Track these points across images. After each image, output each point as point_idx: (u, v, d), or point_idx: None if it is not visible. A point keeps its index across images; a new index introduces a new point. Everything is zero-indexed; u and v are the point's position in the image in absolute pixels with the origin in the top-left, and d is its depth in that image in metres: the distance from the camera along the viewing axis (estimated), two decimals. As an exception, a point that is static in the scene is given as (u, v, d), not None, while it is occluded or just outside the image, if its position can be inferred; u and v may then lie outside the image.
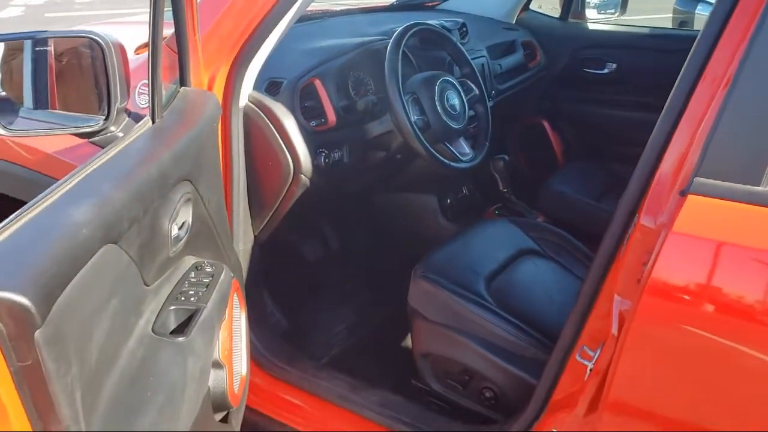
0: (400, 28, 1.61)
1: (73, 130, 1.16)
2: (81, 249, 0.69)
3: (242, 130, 1.33)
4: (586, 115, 2.43)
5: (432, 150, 1.55)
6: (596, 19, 2.49)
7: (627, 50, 2.36)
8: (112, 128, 1.06)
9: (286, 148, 1.37)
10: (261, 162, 1.39)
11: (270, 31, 1.26)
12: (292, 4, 1.24)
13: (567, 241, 1.64)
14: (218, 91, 1.27)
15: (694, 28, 3.49)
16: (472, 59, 1.82)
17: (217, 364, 1.02)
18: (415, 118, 1.55)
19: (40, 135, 1.31)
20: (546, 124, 2.47)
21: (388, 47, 1.55)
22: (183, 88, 1.15)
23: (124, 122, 1.08)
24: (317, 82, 1.51)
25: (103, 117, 1.08)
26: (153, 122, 0.99)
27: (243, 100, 1.32)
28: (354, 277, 1.97)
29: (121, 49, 1.06)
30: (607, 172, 2.16)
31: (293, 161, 1.38)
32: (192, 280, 1.01)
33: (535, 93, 2.39)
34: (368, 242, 2.02)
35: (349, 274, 1.97)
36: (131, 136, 0.95)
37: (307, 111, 1.47)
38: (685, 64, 0.91)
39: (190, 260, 1.04)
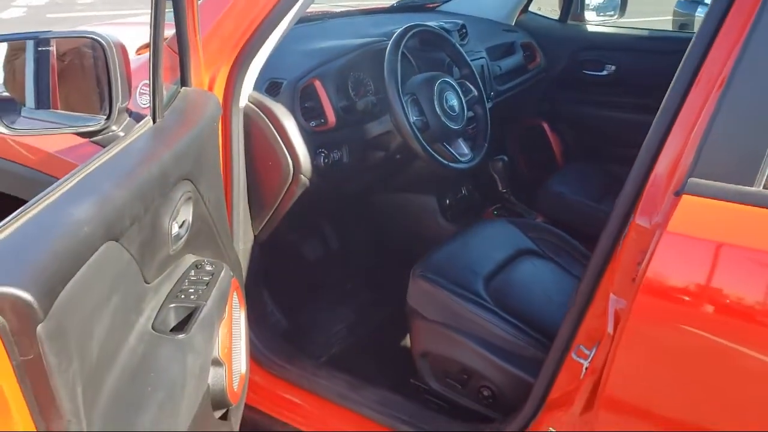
0: (399, 30, 1.62)
1: (74, 130, 1.17)
2: (82, 246, 0.70)
3: (242, 130, 1.34)
4: (585, 116, 2.44)
5: (431, 150, 1.56)
6: (595, 21, 2.51)
7: (626, 52, 2.37)
8: (114, 128, 1.07)
9: (286, 149, 1.38)
10: (261, 162, 1.40)
11: (270, 32, 1.27)
12: (293, 6, 1.25)
13: (565, 241, 1.65)
14: (219, 91, 1.28)
15: (694, 31, 3.48)
16: (471, 60, 1.83)
17: (216, 362, 1.03)
18: (414, 118, 1.56)
19: (42, 134, 1.32)
20: (545, 126, 2.48)
21: (388, 48, 1.56)
22: (184, 88, 1.16)
23: (126, 122, 1.09)
24: (317, 83, 1.52)
25: (105, 117, 1.09)
26: (154, 122, 1.00)
27: (243, 101, 1.33)
28: (353, 277, 1.98)
29: (123, 50, 1.07)
30: (606, 173, 2.17)
31: (293, 161, 1.39)
32: (192, 278, 1.02)
33: (534, 94, 2.40)
34: (368, 242, 2.03)
35: (349, 273, 1.98)
36: (132, 135, 0.96)
37: (307, 111, 1.48)
38: (680, 66, 0.92)
39: (190, 259, 1.05)
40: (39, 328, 0.61)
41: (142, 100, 1.32)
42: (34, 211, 0.71)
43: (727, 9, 0.89)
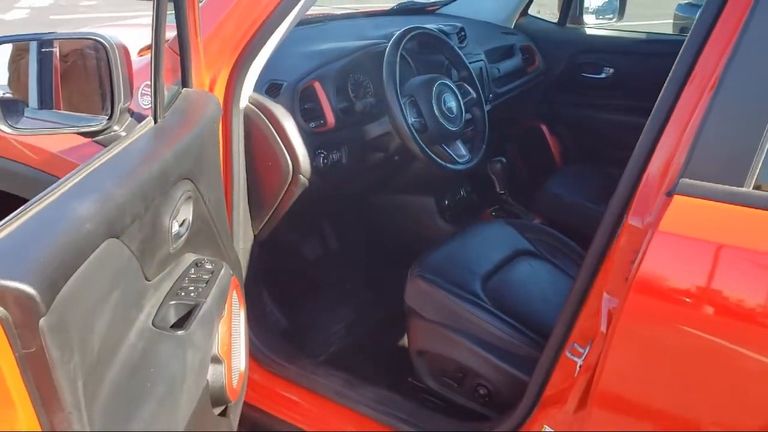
0: (398, 32, 1.63)
1: (77, 129, 1.19)
2: (84, 242, 0.71)
3: (243, 130, 1.36)
4: (583, 119, 2.45)
5: (428, 152, 1.57)
6: (594, 25, 2.52)
7: (624, 55, 2.38)
8: (116, 128, 1.09)
9: (286, 149, 1.40)
10: (261, 162, 1.41)
11: (271, 34, 1.29)
12: (293, 8, 1.27)
13: (562, 242, 1.67)
14: (219, 92, 1.29)
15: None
16: (470, 63, 1.85)
17: (216, 359, 1.04)
18: (413, 120, 1.57)
19: (45, 134, 1.34)
20: (544, 128, 2.49)
21: (387, 50, 1.57)
22: (185, 89, 1.17)
23: (127, 122, 1.11)
24: (317, 85, 1.54)
25: (107, 117, 1.11)
26: (155, 122, 1.02)
27: (244, 102, 1.35)
28: (352, 277, 1.99)
29: (125, 51, 1.09)
30: (604, 175, 2.18)
31: (292, 162, 1.41)
32: (192, 276, 1.03)
33: (533, 97, 2.41)
34: (367, 242, 2.05)
35: (348, 273, 1.99)
36: (134, 135, 0.98)
37: (307, 113, 1.50)
38: (672, 68, 0.93)
39: (190, 257, 1.07)
40: (41, 321, 0.62)
41: (143, 100, 1.34)
42: (38, 208, 0.72)
43: (719, 12, 0.90)
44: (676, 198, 0.86)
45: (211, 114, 1.19)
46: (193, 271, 1.04)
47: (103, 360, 0.76)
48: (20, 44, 1.24)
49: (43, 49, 1.23)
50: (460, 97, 1.70)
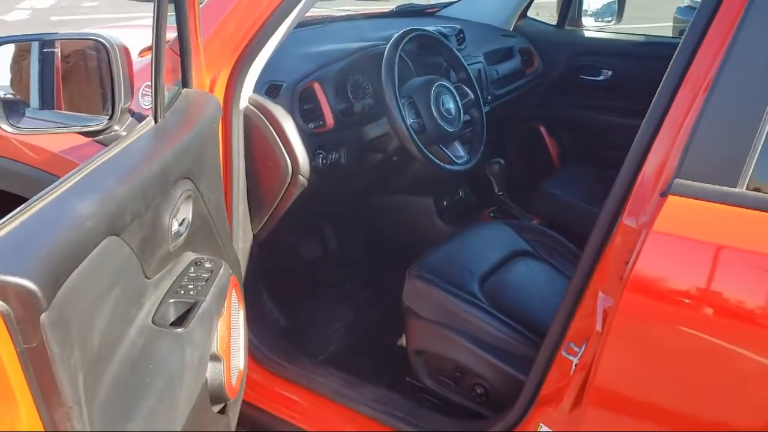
0: (397, 34, 1.65)
1: (78, 129, 1.20)
2: (85, 239, 0.72)
3: (242, 131, 1.37)
4: (582, 120, 2.46)
5: (427, 152, 1.58)
6: (593, 27, 2.53)
7: (622, 57, 2.39)
8: (116, 127, 1.10)
9: (285, 150, 1.41)
10: (260, 162, 1.42)
11: (270, 36, 1.30)
12: (292, 9, 1.28)
13: (560, 243, 1.68)
14: (219, 93, 1.30)
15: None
16: (468, 65, 1.86)
17: (215, 357, 1.05)
18: (411, 121, 1.58)
19: (47, 133, 1.35)
20: (542, 129, 2.50)
21: (386, 52, 1.58)
22: (185, 89, 1.19)
23: (128, 122, 1.12)
24: (316, 86, 1.55)
25: (107, 117, 1.12)
26: (155, 122, 1.03)
27: (243, 102, 1.36)
28: (352, 277, 2.00)
29: (126, 51, 1.10)
30: (602, 176, 2.19)
31: (292, 162, 1.42)
32: (191, 275, 1.04)
33: (532, 99, 2.42)
34: (366, 243, 2.06)
35: (347, 273, 2.00)
36: (134, 134, 0.99)
37: (306, 113, 1.51)
38: (667, 71, 0.95)
39: (189, 256, 1.08)
40: (42, 316, 0.63)
41: (144, 101, 1.35)
42: (39, 206, 0.73)
43: (712, 16, 0.91)
44: (671, 198, 0.87)
45: (211, 114, 1.20)
46: (192, 269, 1.05)
47: (103, 356, 0.77)
48: (22, 45, 1.25)
49: (45, 50, 1.24)
50: (458, 99, 1.71)
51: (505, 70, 2.21)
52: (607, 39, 2.51)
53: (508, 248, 1.59)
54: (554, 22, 2.54)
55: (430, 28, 1.85)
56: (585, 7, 2.51)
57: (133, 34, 1.64)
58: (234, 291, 1.16)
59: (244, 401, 1.26)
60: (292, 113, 1.43)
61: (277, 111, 1.40)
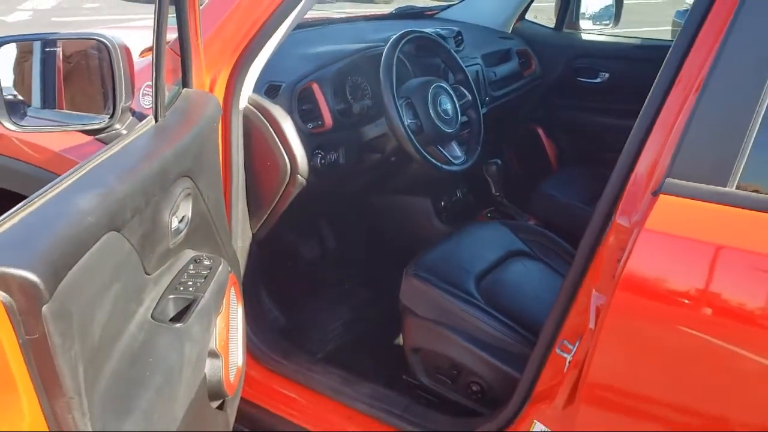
0: (396, 35, 1.66)
1: (79, 127, 1.21)
2: (86, 234, 0.74)
3: (242, 130, 1.38)
4: (579, 122, 2.48)
5: (424, 153, 1.60)
6: (590, 30, 2.55)
7: (619, 60, 2.41)
8: (117, 126, 1.11)
9: (284, 149, 1.42)
10: (259, 162, 1.44)
11: (270, 37, 1.31)
12: (292, 10, 1.29)
13: (556, 243, 1.69)
14: (219, 93, 1.32)
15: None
16: (466, 66, 1.87)
17: (213, 354, 1.06)
18: (409, 121, 1.60)
19: (49, 131, 1.36)
20: (540, 131, 2.52)
21: (384, 53, 1.60)
22: (185, 89, 1.20)
23: (128, 121, 1.13)
24: (315, 86, 1.56)
25: (109, 115, 1.13)
26: (156, 121, 1.04)
27: (243, 102, 1.37)
28: (350, 277, 2.02)
29: (127, 51, 1.12)
30: (599, 177, 2.20)
31: (290, 162, 1.43)
32: (191, 271, 1.05)
33: (529, 100, 2.44)
34: (364, 242, 2.07)
35: (345, 273, 2.01)
36: (135, 133, 1.00)
37: (305, 114, 1.52)
38: (659, 72, 0.96)
39: (189, 253, 1.09)
40: (44, 308, 0.65)
41: (144, 100, 1.36)
42: (41, 201, 0.75)
43: (703, 19, 0.93)
44: (662, 197, 0.88)
45: (211, 114, 1.21)
46: (191, 266, 1.06)
47: (103, 349, 0.78)
48: (25, 47, 1.27)
49: (47, 49, 1.25)
50: (455, 100, 1.72)
51: (502, 72, 2.22)
52: (604, 42, 2.53)
53: (505, 248, 1.61)
54: (552, 25, 2.56)
55: (428, 30, 1.86)
56: (583, 10, 2.53)
57: (133, 34, 1.66)
58: (233, 288, 1.17)
59: (242, 398, 1.28)
60: (290, 113, 1.45)
61: (276, 111, 1.42)
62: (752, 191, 0.87)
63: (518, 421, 1.19)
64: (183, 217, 1.03)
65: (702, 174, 0.87)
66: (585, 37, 2.53)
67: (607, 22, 2.55)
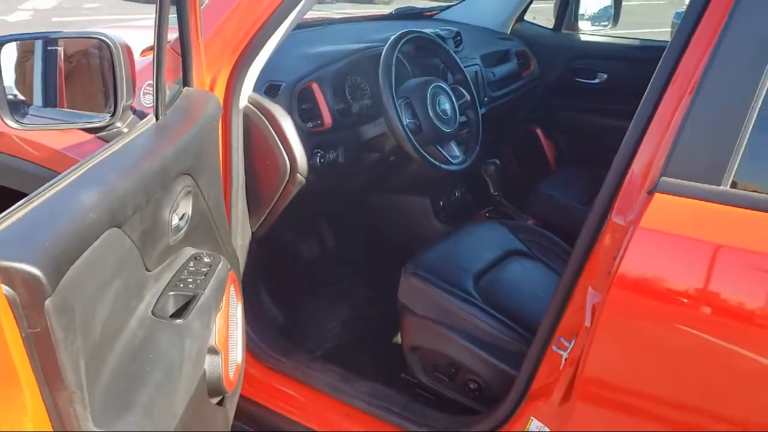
0: (395, 35, 1.67)
1: (81, 125, 1.22)
2: (88, 230, 0.75)
3: (242, 129, 1.39)
4: (578, 123, 2.49)
5: (423, 152, 1.60)
6: (589, 31, 2.56)
7: (617, 61, 2.42)
8: (118, 124, 1.12)
9: (283, 148, 1.43)
10: (259, 161, 1.45)
11: (270, 36, 1.32)
12: (291, 11, 1.31)
13: (553, 242, 1.70)
14: (219, 92, 1.33)
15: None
16: (465, 67, 1.88)
17: (213, 350, 1.07)
18: (407, 121, 1.61)
19: (52, 129, 1.37)
20: (539, 132, 2.53)
21: (383, 53, 1.61)
22: (186, 88, 1.21)
23: (130, 119, 1.14)
24: (314, 86, 1.57)
25: (110, 114, 1.14)
26: (156, 119, 1.05)
27: (243, 101, 1.38)
28: (349, 275, 2.02)
29: (128, 50, 1.12)
30: (597, 178, 2.21)
31: (290, 160, 1.44)
32: (191, 269, 1.06)
33: (528, 101, 2.45)
34: (363, 241, 2.08)
35: (344, 272, 2.02)
36: (136, 131, 1.01)
37: (304, 113, 1.53)
38: (655, 72, 0.97)
39: (189, 251, 1.10)
40: (47, 302, 0.65)
41: (145, 99, 1.37)
42: (43, 198, 0.76)
43: (698, 20, 0.94)
44: (657, 196, 0.89)
45: (211, 113, 1.22)
46: (192, 264, 1.07)
47: (104, 344, 0.79)
48: (26, 46, 1.28)
49: (49, 48, 1.26)
50: (454, 100, 1.73)
51: (501, 73, 2.23)
52: (602, 42, 2.54)
53: (503, 247, 1.62)
54: (551, 26, 2.57)
55: (427, 31, 1.87)
56: (581, 11, 2.54)
57: (134, 34, 1.67)
58: (232, 286, 1.18)
59: (241, 396, 1.28)
60: (290, 112, 1.46)
61: (275, 110, 1.43)
62: (746, 190, 0.88)
63: (515, 418, 1.20)
64: (183, 214, 1.04)
65: (697, 173, 0.88)
66: (584, 38, 2.54)
67: (606, 23, 2.56)
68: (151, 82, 1.06)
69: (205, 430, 1.09)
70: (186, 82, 1.21)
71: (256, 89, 1.41)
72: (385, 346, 1.83)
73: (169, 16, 1.04)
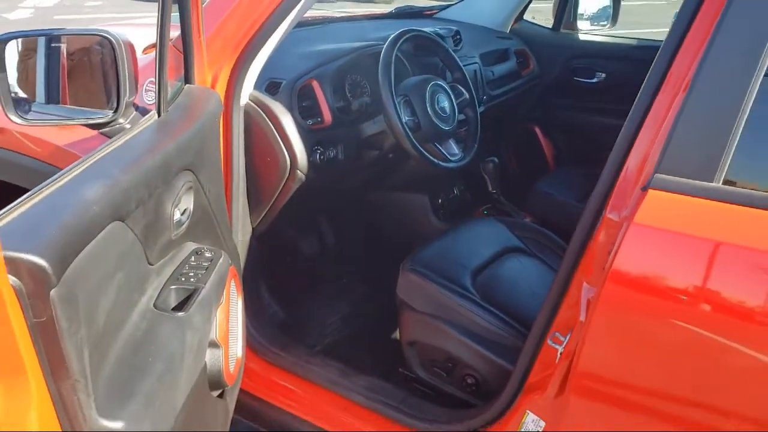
0: (394, 34, 1.69)
1: (84, 121, 1.24)
2: (91, 223, 0.76)
3: (242, 126, 1.41)
4: (576, 121, 2.50)
5: (421, 149, 1.62)
6: (588, 31, 2.58)
7: (615, 60, 2.44)
8: (121, 120, 1.14)
9: (284, 145, 1.45)
10: (260, 157, 1.46)
11: (271, 34, 1.34)
12: (292, 9, 1.32)
13: (551, 239, 1.72)
14: (221, 89, 1.34)
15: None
16: (464, 65, 1.90)
17: (213, 344, 1.09)
18: (406, 118, 1.62)
19: (55, 124, 1.38)
20: (537, 130, 2.55)
21: (383, 51, 1.62)
22: (187, 85, 1.23)
23: (132, 115, 1.16)
24: (315, 83, 1.59)
25: (112, 110, 1.16)
26: (159, 116, 1.07)
27: (244, 99, 1.40)
28: (349, 272, 2.04)
29: (131, 47, 1.14)
30: (595, 176, 2.23)
31: (290, 157, 1.46)
32: (192, 263, 1.08)
33: (527, 100, 2.46)
34: (362, 238, 2.09)
35: (344, 269, 2.04)
36: (138, 127, 1.03)
37: (305, 110, 1.55)
38: (649, 71, 0.99)
39: (190, 246, 1.11)
40: (52, 292, 0.67)
41: (148, 96, 1.39)
42: (48, 191, 0.77)
43: (691, 20, 0.96)
44: (651, 192, 0.91)
45: (213, 109, 1.24)
46: (193, 258, 1.09)
47: (108, 335, 0.81)
48: (28, 44, 1.29)
49: (52, 45, 1.28)
50: (453, 98, 1.75)
51: (500, 72, 2.25)
52: (601, 42, 2.56)
53: (501, 244, 1.63)
54: (550, 26, 2.59)
55: (426, 29, 1.89)
56: (580, 11, 2.55)
57: (137, 32, 1.68)
58: (233, 281, 1.19)
59: (241, 389, 1.30)
60: (290, 110, 1.47)
61: (276, 107, 1.44)
62: (738, 187, 0.89)
63: (511, 411, 1.21)
64: (185, 209, 1.06)
65: (690, 170, 0.90)
66: (582, 37, 2.56)
67: (605, 22, 2.57)
68: (153, 79, 1.07)
69: (205, 422, 1.11)
70: (188, 79, 1.23)
71: (256, 87, 1.43)
72: (383, 342, 1.84)
73: (172, 14, 1.05)
